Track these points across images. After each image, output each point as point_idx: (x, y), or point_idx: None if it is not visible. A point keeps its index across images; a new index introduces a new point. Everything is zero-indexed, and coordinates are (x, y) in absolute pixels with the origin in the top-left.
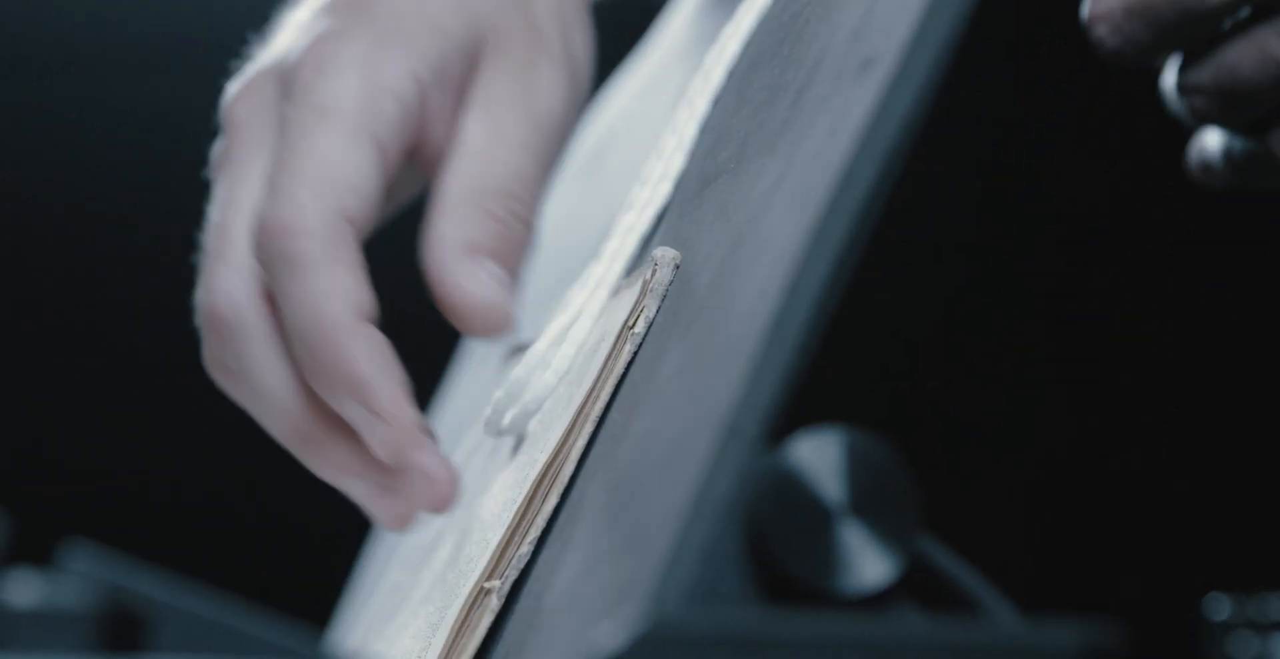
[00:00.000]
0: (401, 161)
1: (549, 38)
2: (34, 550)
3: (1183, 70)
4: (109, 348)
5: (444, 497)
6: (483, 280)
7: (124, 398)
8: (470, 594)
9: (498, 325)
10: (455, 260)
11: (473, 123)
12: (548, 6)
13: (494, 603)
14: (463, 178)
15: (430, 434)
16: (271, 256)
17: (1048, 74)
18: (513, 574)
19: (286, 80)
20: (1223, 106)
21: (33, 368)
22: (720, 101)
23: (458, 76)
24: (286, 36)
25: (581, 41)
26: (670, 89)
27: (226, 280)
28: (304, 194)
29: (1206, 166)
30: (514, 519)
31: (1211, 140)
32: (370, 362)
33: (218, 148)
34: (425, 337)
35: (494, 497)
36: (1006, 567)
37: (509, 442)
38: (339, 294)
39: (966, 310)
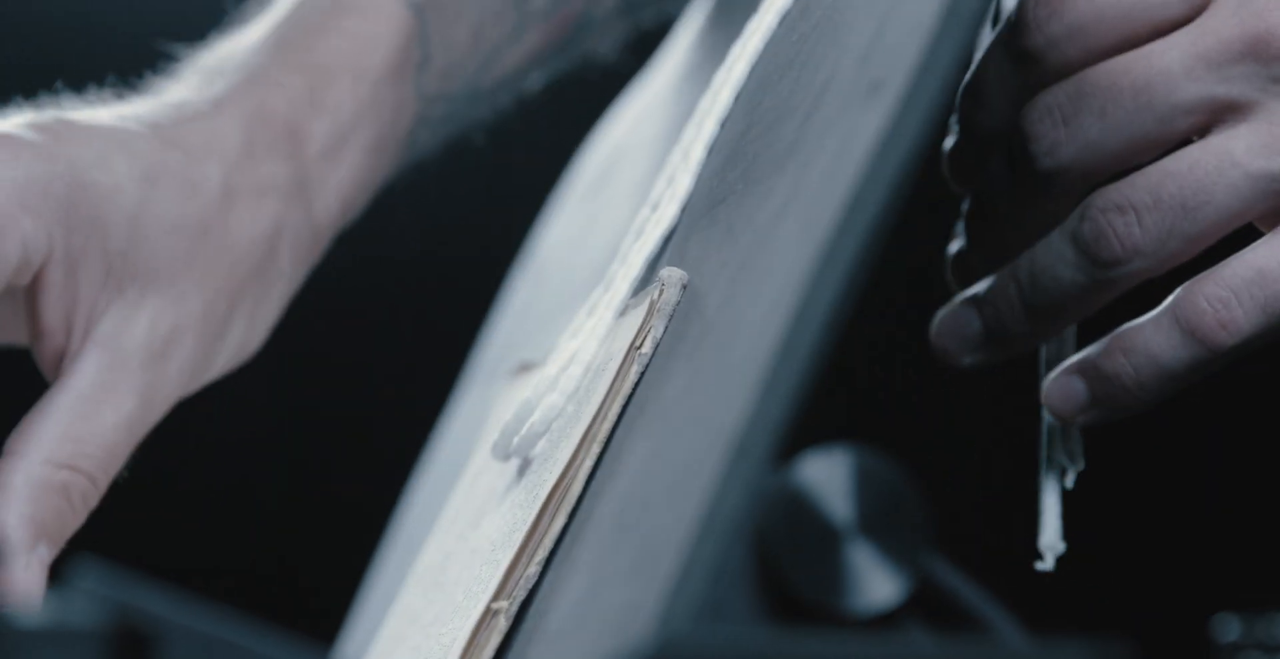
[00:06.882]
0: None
1: (236, 300)
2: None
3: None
4: None
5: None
6: (36, 570)
7: None
8: (479, 615)
9: (25, 607)
10: (20, 544)
11: (89, 365)
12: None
13: (502, 624)
14: (54, 436)
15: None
16: None
17: None
18: (520, 595)
19: None
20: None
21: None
22: (728, 123)
23: (109, 275)
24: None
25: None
26: (676, 110)
27: None
28: None
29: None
30: (522, 540)
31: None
32: None
33: None
34: (433, 351)
35: (502, 517)
36: (1014, 585)
37: (517, 461)
38: None
39: None
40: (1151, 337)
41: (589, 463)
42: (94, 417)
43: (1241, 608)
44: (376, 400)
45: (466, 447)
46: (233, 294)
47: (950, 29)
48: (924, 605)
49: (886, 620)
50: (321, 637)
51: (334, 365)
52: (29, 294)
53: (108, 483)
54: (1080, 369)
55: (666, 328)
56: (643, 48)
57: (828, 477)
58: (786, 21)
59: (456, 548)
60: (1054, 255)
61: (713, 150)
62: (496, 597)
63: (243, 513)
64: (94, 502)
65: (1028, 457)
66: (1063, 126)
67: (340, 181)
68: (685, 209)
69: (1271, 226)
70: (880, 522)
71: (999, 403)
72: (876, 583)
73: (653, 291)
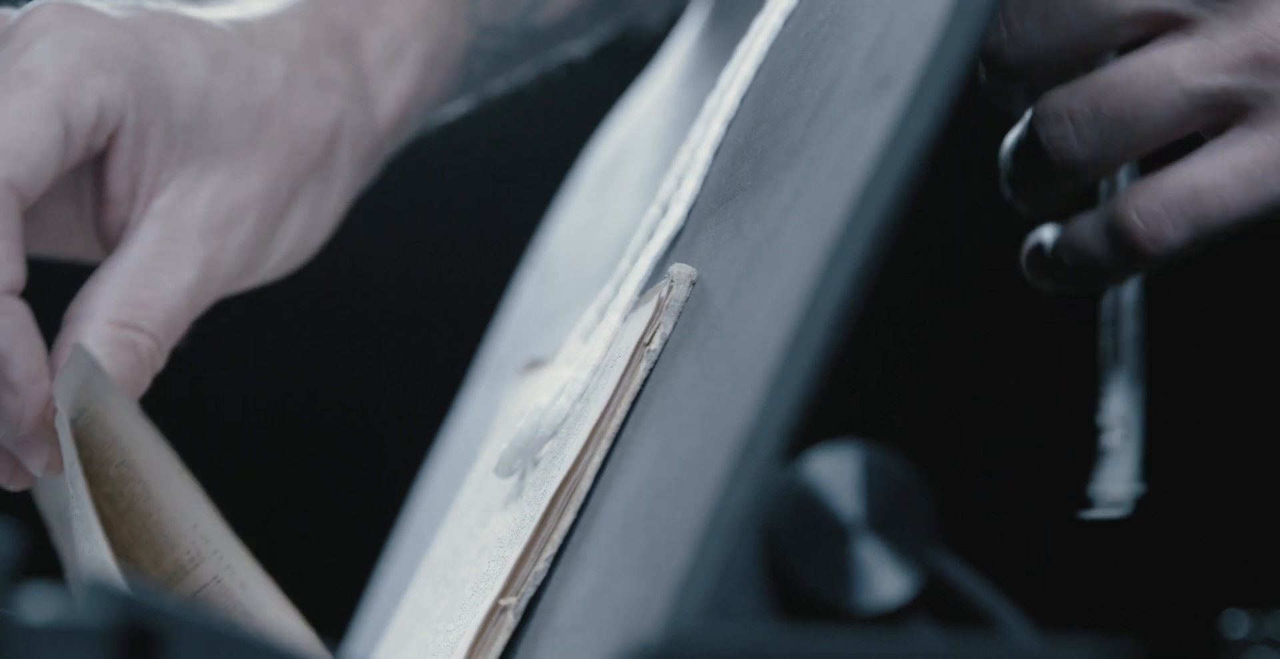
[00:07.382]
0: (83, 157)
1: (300, 187)
2: (49, 566)
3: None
4: None
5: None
6: None
7: None
8: (487, 612)
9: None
10: None
11: (147, 236)
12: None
13: (510, 620)
14: (114, 301)
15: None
16: None
17: None
18: (529, 591)
19: (9, 29)
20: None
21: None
22: (736, 120)
23: (172, 148)
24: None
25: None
26: (682, 107)
27: None
28: None
29: (1042, 261)
30: (530, 536)
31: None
32: (8, 334)
33: None
34: (442, 347)
35: (511, 514)
36: (1022, 582)
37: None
38: None
39: (983, 327)
40: (1089, 238)
41: (597, 459)
42: (153, 284)
43: (1250, 605)
44: (386, 396)
45: (475, 442)
46: (295, 180)
47: (958, 24)
48: (932, 602)
49: (894, 617)
50: (330, 633)
51: (344, 362)
52: (97, 162)
53: (170, 346)
54: (1040, 241)
55: (675, 324)
56: (648, 45)
57: (836, 473)
58: (793, 19)
59: (465, 544)
60: (1017, 144)
61: (721, 147)
62: (504, 593)
63: (252, 510)
64: (160, 363)
65: (1033, 454)
66: (1005, 30)
67: (398, 91)
68: (693, 205)
69: (1215, 135)
70: (888, 518)
71: (1007, 399)
72: (884, 580)
73: (662, 288)
